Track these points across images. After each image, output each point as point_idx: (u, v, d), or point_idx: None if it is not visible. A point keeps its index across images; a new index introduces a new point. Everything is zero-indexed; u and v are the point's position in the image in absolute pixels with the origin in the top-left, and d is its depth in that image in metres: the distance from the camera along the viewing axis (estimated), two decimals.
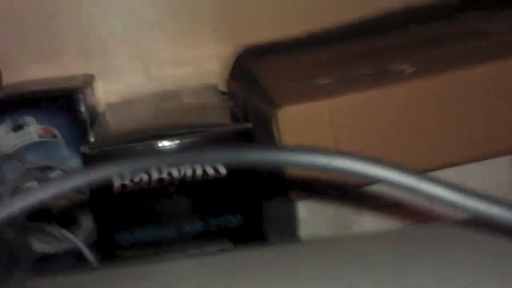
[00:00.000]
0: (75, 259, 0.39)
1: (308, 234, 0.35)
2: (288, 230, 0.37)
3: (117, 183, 0.33)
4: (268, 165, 0.19)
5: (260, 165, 0.19)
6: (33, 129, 0.44)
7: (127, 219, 0.34)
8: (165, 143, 0.33)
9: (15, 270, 0.19)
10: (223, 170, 0.33)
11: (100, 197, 0.33)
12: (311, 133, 0.32)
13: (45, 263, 0.39)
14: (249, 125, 0.34)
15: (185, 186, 0.33)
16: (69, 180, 0.18)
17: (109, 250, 0.34)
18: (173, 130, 0.34)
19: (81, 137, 0.43)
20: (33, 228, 0.40)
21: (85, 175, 0.18)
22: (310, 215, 0.35)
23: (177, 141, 0.33)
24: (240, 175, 0.34)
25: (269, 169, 0.34)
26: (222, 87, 0.49)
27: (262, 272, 0.22)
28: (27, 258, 0.20)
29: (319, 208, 0.35)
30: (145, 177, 0.32)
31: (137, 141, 0.33)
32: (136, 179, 0.32)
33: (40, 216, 0.38)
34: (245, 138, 0.33)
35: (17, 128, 0.44)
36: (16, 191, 0.40)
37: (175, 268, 0.24)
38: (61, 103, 0.43)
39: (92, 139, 0.35)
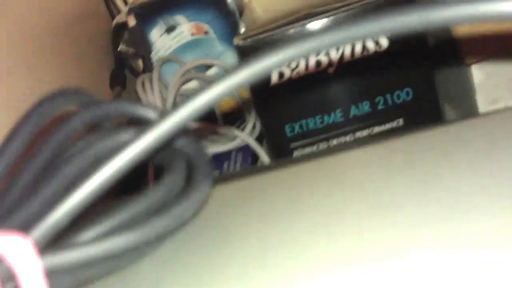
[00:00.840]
0: (246, 155, 0.40)
1: (486, 100, 0.32)
2: (464, 101, 0.34)
3: (275, 75, 0.31)
4: (440, 24, 0.16)
5: (430, 26, 0.16)
6: (185, 27, 0.44)
7: (292, 110, 0.33)
8: (319, 21, 0.30)
9: (194, 181, 0.19)
10: (384, 42, 0.30)
11: (262, 92, 0.32)
12: None
13: (218, 162, 0.40)
14: None
15: (345, 66, 0.31)
16: (238, 73, 0.16)
17: (279, 143, 0.33)
18: (326, 6, 0.31)
19: (232, 30, 0.42)
20: (205, 130, 0.41)
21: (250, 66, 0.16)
22: (487, 80, 0.31)
23: (332, 17, 0.30)
24: (404, 45, 0.30)
25: (440, 30, 0.31)
26: None
27: (439, 155, 0.20)
28: (205, 165, 0.20)
29: (497, 71, 0.31)
30: (302, 64, 0.31)
31: (290, 23, 0.31)
32: (293, 67, 0.31)
33: (206, 117, 0.39)
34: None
35: (170, 29, 0.44)
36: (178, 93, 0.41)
37: (349, 159, 0.23)
38: None
39: (243, 30, 0.34)
